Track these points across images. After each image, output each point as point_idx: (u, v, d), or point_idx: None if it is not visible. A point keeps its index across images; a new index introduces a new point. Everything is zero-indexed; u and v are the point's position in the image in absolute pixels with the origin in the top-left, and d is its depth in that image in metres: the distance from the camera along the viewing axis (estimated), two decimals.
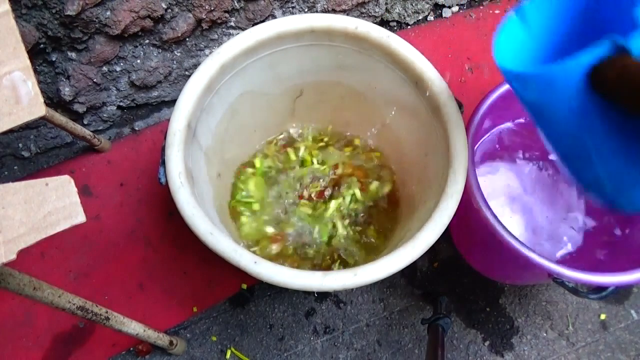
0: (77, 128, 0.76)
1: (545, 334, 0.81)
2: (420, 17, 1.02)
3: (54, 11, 0.64)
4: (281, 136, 0.81)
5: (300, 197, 0.76)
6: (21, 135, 0.84)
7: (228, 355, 0.77)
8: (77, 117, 0.83)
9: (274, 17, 0.84)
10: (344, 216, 0.75)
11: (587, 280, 0.56)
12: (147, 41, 0.77)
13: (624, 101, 0.31)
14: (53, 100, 0.78)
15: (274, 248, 0.72)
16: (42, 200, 0.35)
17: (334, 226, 0.74)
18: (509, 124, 0.80)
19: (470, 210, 0.62)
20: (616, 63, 0.30)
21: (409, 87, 0.63)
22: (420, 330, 0.80)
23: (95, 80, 0.78)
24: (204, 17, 0.76)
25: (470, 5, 1.05)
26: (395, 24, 1.01)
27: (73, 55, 0.73)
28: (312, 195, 0.76)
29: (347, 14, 0.91)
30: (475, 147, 0.76)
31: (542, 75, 0.34)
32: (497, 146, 0.81)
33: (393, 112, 0.71)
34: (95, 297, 0.77)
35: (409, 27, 1.02)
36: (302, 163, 0.79)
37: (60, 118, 0.72)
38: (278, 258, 0.72)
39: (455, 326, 0.80)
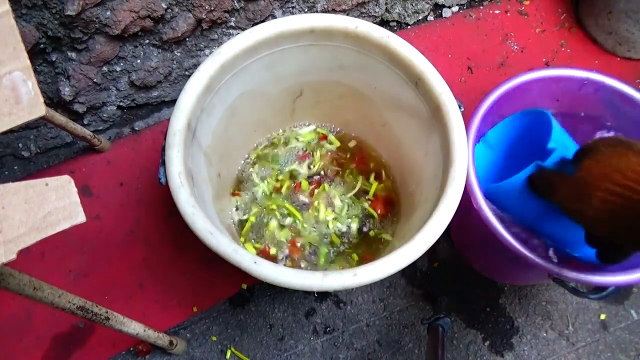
0: (77, 128, 0.76)
1: (545, 334, 0.81)
2: (420, 17, 1.02)
3: (54, 11, 0.64)
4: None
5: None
6: (21, 135, 0.84)
7: (228, 355, 0.77)
8: (77, 117, 0.83)
9: (274, 17, 0.84)
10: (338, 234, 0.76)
11: (587, 280, 0.56)
12: (147, 41, 0.77)
13: (544, 195, 0.52)
14: (53, 100, 0.78)
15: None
16: (42, 200, 0.35)
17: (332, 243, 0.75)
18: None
19: (470, 210, 0.62)
20: (539, 174, 0.53)
21: (409, 87, 0.63)
22: (420, 330, 0.80)
23: (95, 80, 0.78)
24: (204, 17, 0.76)
25: (470, 5, 1.05)
26: (395, 24, 1.01)
27: (73, 55, 0.73)
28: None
29: (347, 14, 0.91)
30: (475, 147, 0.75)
31: (504, 184, 0.58)
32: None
33: (393, 112, 0.71)
34: (95, 297, 0.76)
35: (409, 27, 1.02)
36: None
37: (60, 118, 0.72)
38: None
39: (455, 326, 0.80)
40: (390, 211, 0.78)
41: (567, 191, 0.45)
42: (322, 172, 0.80)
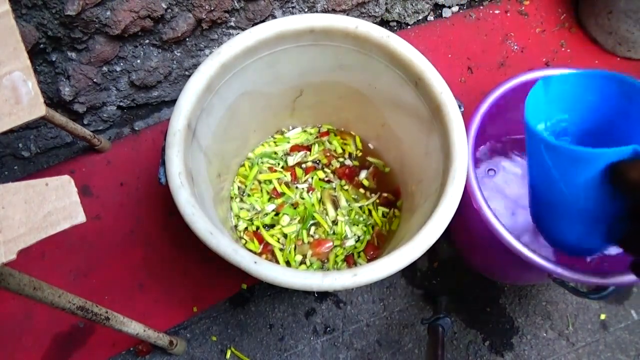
0: (77, 128, 0.76)
1: (545, 334, 0.81)
2: (420, 17, 1.02)
3: (54, 11, 0.64)
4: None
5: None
6: (21, 135, 0.84)
7: (228, 355, 0.77)
8: (77, 117, 0.83)
9: (274, 17, 0.84)
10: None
11: (587, 280, 0.56)
12: (147, 41, 0.77)
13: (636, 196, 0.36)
14: (53, 100, 0.78)
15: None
16: (42, 200, 0.35)
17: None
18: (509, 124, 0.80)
19: (470, 210, 0.62)
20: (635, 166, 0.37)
21: (409, 87, 0.63)
22: (420, 330, 0.80)
23: (95, 80, 0.78)
24: (204, 17, 0.76)
25: (470, 5, 1.05)
26: (395, 24, 1.01)
27: (73, 55, 0.73)
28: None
29: (347, 14, 0.91)
30: (475, 147, 0.75)
31: (576, 153, 0.41)
32: (498, 146, 0.81)
33: (393, 112, 0.71)
34: (95, 297, 0.76)
35: (409, 27, 1.02)
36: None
37: (60, 118, 0.71)
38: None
39: (455, 326, 0.80)
40: (392, 210, 0.78)
41: None
42: (318, 162, 0.81)
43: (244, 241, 0.75)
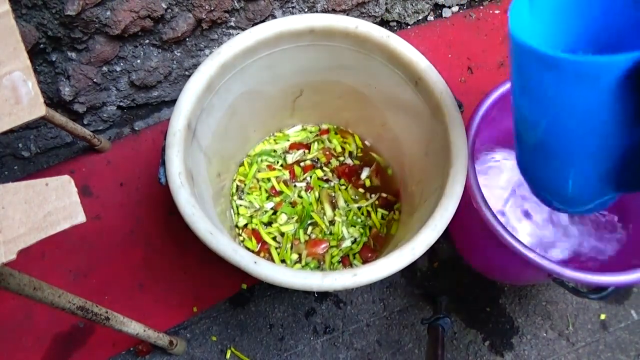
0: (77, 128, 0.76)
1: (545, 334, 0.81)
2: (420, 17, 1.02)
3: (54, 11, 0.64)
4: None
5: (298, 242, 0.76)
6: (21, 135, 0.84)
7: (228, 355, 0.77)
8: (77, 117, 0.83)
9: (274, 17, 0.84)
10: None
11: (587, 280, 0.56)
12: (147, 41, 0.77)
13: None
14: (53, 100, 0.78)
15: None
16: (42, 200, 0.35)
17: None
18: (509, 124, 0.80)
19: (470, 210, 0.62)
20: None
21: (409, 87, 0.63)
22: (420, 330, 0.80)
23: (95, 80, 0.78)
24: (204, 17, 0.76)
25: (470, 5, 1.05)
26: (395, 24, 1.01)
27: (73, 55, 0.73)
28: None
29: (347, 14, 0.91)
30: (475, 147, 0.76)
31: (583, 64, 0.31)
32: (498, 146, 0.81)
33: (393, 112, 0.71)
34: (95, 297, 0.76)
35: (409, 27, 1.02)
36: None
37: (60, 118, 0.71)
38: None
39: (455, 326, 0.80)
40: (391, 211, 0.78)
41: None
42: (317, 160, 0.81)
43: (242, 238, 0.75)
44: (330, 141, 0.82)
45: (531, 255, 0.56)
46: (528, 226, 0.76)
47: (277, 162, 0.80)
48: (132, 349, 0.76)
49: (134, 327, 0.59)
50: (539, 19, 0.40)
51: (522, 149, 0.46)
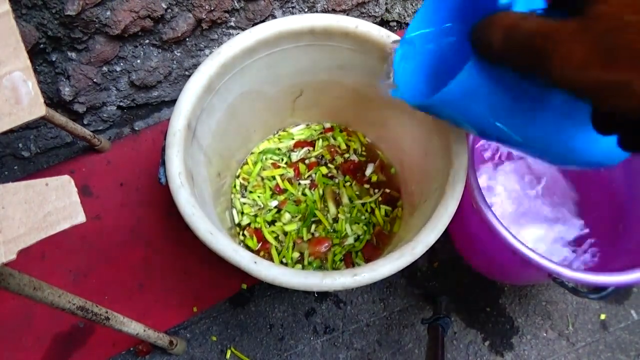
0: (77, 128, 0.76)
1: (545, 334, 0.81)
2: None
3: (54, 11, 0.64)
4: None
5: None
6: (21, 135, 0.84)
7: (228, 355, 0.77)
8: (77, 117, 0.83)
9: (274, 17, 0.84)
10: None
11: (587, 280, 0.56)
12: (147, 41, 0.77)
13: (514, 64, 0.28)
14: (53, 100, 0.78)
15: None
16: (42, 200, 0.35)
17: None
18: None
19: (470, 210, 0.62)
20: (498, 21, 0.28)
21: None
22: (420, 330, 0.80)
23: (95, 80, 0.78)
24: (204, 17, 0.76)
25: None
26: (395, 24, 1.01)
27: (73, 55, 0.73)
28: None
29: (347, 14, 0.91)
30: (476, 147, 0.76)
31: (438, 99, 0.37)
32: (498, 145, 0.81)
33: (393, 112, 0.71)
34: (95, 297, 0.76)
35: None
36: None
37: (60, 118, 0.72)
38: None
39: (455, 326, 0.80)
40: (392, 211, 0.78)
41: (578, 47, 0.24)
42: (321, 157, 0.81)
43: (242, 237, 0.75)
44: (334, 138, 0.82)
45: (531, 255, 0.56)
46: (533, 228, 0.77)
47: (282, 160, 0.80)
48: (132, 349, 0.76)
49: (134, 327, 0.59)
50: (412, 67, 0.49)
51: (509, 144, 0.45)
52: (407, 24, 1.01)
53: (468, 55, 0.34)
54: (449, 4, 0.46)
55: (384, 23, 1.00)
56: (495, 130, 0.39)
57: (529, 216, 0.77)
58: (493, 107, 0.37)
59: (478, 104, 0.36)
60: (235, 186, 0.78)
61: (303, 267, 0.73)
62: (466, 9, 0.45)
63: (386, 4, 0.94)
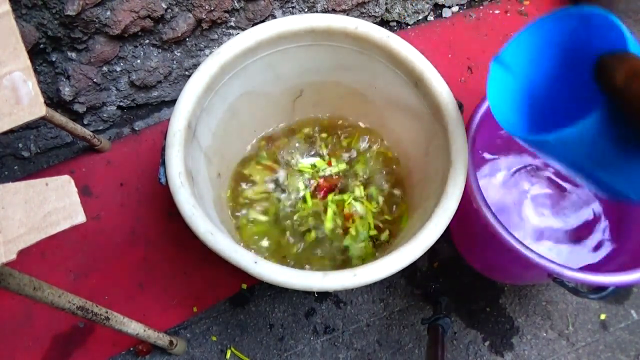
0: (77, 128, 0.76)
1: (545, 334, 0.81)
2: (420, 17, 1.02)
3: (54, 11, 0.64)
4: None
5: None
6: (21, 135, 0.84)
7: (228, 355, 0.77)
8: (77, 117, 0.83)
9: (274, 17, 0.84)
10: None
11: (587, 280, 0.56)
12: (147, 41, 0.77)
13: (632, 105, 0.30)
14: (53, 100, 0.78)
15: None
16: (42, 200, 0.35)
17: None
18: None
19: (470, 210, 0.62)
20: (625, 61, 0.30)
21: (409, 87, 0.63)
22: (420, 330, 0.80)
23: (95, 80, 0.78)
24: (204, 17, 0.76)
25: (470, 5, 1.05)
26: (395, 24, 1.01)
27: (73, 55, 0.73)
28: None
29: (347, 14, 0.91)
30: (475, 147, 0.76)
31: (558, 138, 0.36)
32: (498, 145, 0.81)
33: (393, 112, 0.71)
34: (95, 297, 0.77)
35: (409, 27, 1.02)
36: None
37: (60, 118, 0.72)
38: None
39: (455, 326, 0.80)
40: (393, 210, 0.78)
41: None
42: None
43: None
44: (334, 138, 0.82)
45: (531, 255, 0.56)
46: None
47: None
48: (132, 349, 0.76)
49: (134, 327, 0.59)
50: (519, 74, 0.49)
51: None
52: (407, 24, 1.01)
53: (575, 97, 0.38)
54: (556, 38, 0.46)
55: (384, 23, 1.00)
56: (586, 171, 0.41)
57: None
58: (598, 154, 0.37)
59: (585, 149, 0.37)
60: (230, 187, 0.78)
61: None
62: (575, 47, 0.44)
63: (386, 4, 0.94)
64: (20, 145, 0.85)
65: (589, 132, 0.35)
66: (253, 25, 0.68)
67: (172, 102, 0.91)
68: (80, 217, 0.35)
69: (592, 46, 0.41)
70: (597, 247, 0.75)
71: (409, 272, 0.83)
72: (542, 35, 0.47)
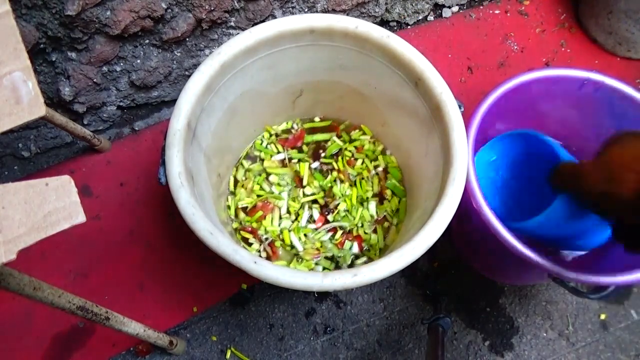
0: (77, 128, 0.76)
1: (545, 334, 0.81)
2: (420, 17, 1.02)
3: (54, 11, 0.64)
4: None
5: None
6: (21, 135, 0.84)
7: (228, 355, 0.77)
8: (77, 117, 0.83)
9: (274, 17, 0.84)
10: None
11: (587, 280, 0.56)
12: (147, 41, 0.77)
13: (568, 186, 0.52)
14: (53, 100, 0.78)
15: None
16: (42, 200, 0.35)
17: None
18: (508, 125, 0.80)
19: (470, 210, 0.62)
20: (563, 167, 0.53)
21: (409, 87, 0.63)
22: (420, 330, 0.80)
23: (95, 80, 0.78)
24: (204, 17, 0.76)
25: (470, 5, 1.05)
26: (395, 24, 1.01)
27: (73, 55, 0.73)
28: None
29: (347, 14, 0.91)
30: (475, 147, 0.76)
31: (537, 220, 0.58)
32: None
33: (393, 112, 0.71)
34: (95, 297, 0.76)
35: (409, 27, 1.02)
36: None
37: (60, 118, 0.72)
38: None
39: (455, 326, 0.80)
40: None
41: (596, 175, 0.45)
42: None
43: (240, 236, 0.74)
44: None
45: (531, 255, 0.56)
46: None
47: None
48: (132, 349, 0.76)
49: (134, 327, 0.59)
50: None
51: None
52: (407, 24, 1.01)
53: (538, 192, 0.67)
54: (512, 150, 0.69)
55: (384, 23, 1.00)
56: (556, 241, 0.67)
57: None
58: (559, 228, 0.59)
59: (554, 226, 0.58)
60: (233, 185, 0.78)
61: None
62: (529, 155, 0.67)
63: (386, 4, 0.94)
64: (20, 145, 0.85)
65: (553, 214, 0.55)
66: (253, 25, 0.68)
67: (172, 102, 0.91)
68: (80, 217, 0.35)
69: (540, 154, 0.62)
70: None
71: (409, 272, 0.83)
72: (500, 148, 0.70)
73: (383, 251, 0.74)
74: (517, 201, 0.73)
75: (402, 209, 0.76)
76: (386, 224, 0.75)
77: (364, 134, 0.81)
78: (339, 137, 0.81)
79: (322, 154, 0.79)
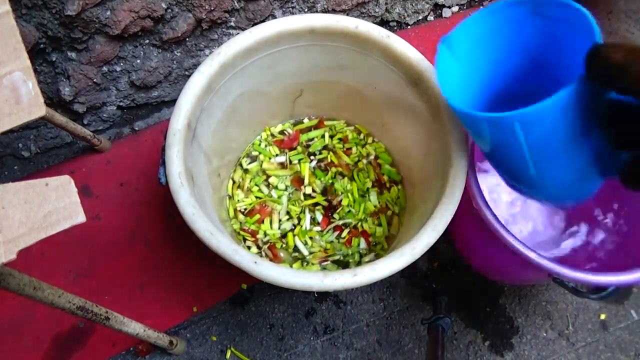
0: (77, 128, 0.76)
1: (545, 334, 0.81)
2: (420, 17, 1.02)
3: (54, 11, 0.64)
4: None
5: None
6: (21, 135, 0.84)
7: (228, 355, 0.77)
8: (77, 117, 0.83)
9: (274, 17, 0.84)
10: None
11: (587, 280, 0.56)
12: (147, 41, 0.77)
13: (631, 84, 0.31)
14: (53, 100, 0.78)
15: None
16: (42, 200, 0.35)
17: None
18: None
19: (470, 210, 0.62)
20: (618, 46, 0.32)
21: (409, 87, 0.63)
22: (420, 330, 0.80)
23: (95, 80, 0.78)
24: (204, 17, 0.76)
25: (470, 5, 1.05)
26: (395, 24, 1.01)
27: (73, 55, 0.73)
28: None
29: (347, 14, 0.91)
30: (476, 147, 0.76)
31: (533, 114, 0.34)
32: None
33: (393, 112, 0.71)
34: (95, 297, 0.77)
35: (409, 27, 1.02)
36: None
37: (60, 118, 0.72)
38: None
39: (455, 326, 0.80)
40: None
41: None
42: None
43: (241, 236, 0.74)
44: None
45: (531, 255, 0.56)
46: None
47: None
48: (132, 349, 0.76)
49: (134, 327, 0.59)
50: (465, 61, 0.46)
51: (505, 178, 0.48)
52: (407, 24, 1.01)
53: (530, 81, 0.41)
54: (505, 27, 0.45)
55: (384, 23, 1.00)
56: (530, 169, 0.40)
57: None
58: (552, 143, 0.36)
59: (542, 134, 0.36)
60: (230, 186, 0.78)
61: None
62: (528, 37, 0.44)
63: (386, 4, 0.94)
64: (20, 145, 0.85)
65: (551, 113, 0.34)
66: (253, 25, 0.68)
67: (172, 102, 0.91)
68: (80, 217, 0.35)
69: (543, 31, 0.41)
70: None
71: (409, 272, 0.83)
72: (490, 23, 0.45)
73: (389, 239, 0.74)
74: (497, 95, 0.52)
75: (402, 197, 0.77)
76: (389, 213, 0.76)
77: (348, 125, 0.82)
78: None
79: (313, 152, 0.80)
